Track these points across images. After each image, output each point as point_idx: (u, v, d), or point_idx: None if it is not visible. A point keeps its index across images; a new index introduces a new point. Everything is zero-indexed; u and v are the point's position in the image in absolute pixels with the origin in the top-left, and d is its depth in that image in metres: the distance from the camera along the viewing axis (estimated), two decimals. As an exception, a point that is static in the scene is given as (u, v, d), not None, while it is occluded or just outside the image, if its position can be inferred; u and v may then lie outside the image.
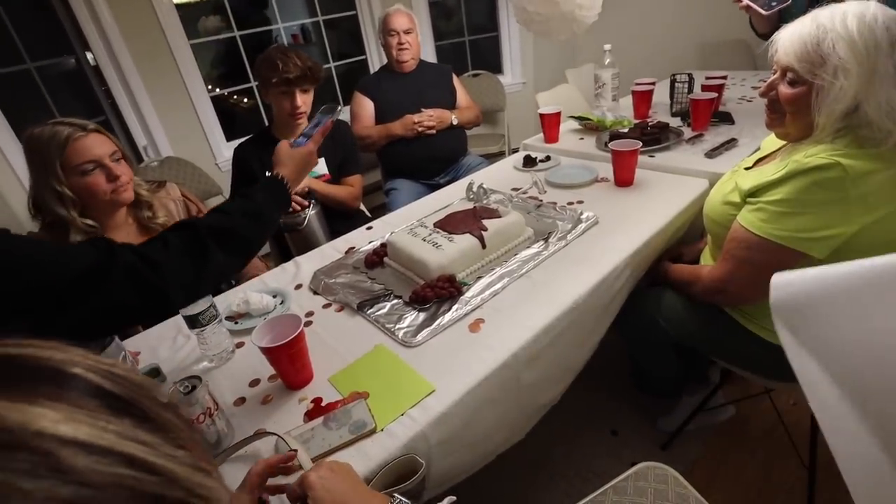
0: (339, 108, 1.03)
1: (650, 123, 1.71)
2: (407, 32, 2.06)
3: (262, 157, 1.68)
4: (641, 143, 1.44)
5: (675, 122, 1.80)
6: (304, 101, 1.64)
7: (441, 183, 2.16)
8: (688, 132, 1.71)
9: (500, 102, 3.27)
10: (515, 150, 3.19)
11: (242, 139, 1.77)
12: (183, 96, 2.63)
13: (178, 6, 2.56)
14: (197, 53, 2.69)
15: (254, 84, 2.96)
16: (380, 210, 2.22)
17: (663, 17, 2.98)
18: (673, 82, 1.88)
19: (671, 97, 1.92)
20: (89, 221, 1.12)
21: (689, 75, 1.86)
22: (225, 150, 2.80)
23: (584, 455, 1.49)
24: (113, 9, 2.28)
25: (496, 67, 3.55)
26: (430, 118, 2.05)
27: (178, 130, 2.63)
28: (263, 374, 0.95)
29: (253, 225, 0.83)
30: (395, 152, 2.09)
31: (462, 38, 3.54)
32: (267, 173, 1.05)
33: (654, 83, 1.94)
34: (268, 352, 0.86)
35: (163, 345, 1.09)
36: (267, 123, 1.79)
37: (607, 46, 1.89)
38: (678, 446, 1.46)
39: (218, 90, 2.91)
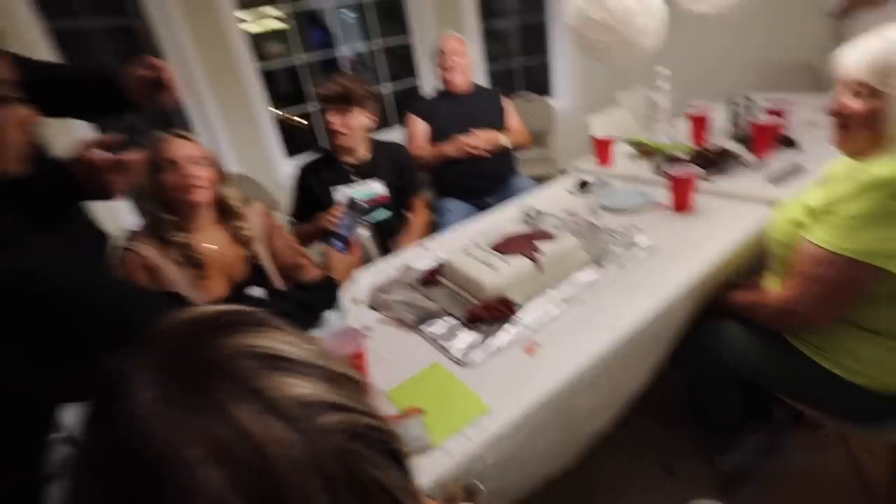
0: (367, 207, 1.10)
1: (709, 148, 1.68)
2: (456, 54, 2.12)
3: (322, 177, 1.76)
4: (701, 169, 1.41)
5: (734, 146, 1.76)
6: (341, 121, 1.69)
7: (490, 203, 2.17)
8: (749, 157, 1.66)
9: (549, 125, 3.27)
10: (564, 173, 3.21)
11: (304, 157, 1.86)
12: (247, 114, 2.78)
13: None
14: (261, 75, 2.85)
15: (312, 105, 3.10)
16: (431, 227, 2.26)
17: (719, 38, 2.91)
18: (732, 105, 1.84)
19: (730, 121, 1.88)
20: (174, 218, 1.19)
21: (749, 98, 1.82)
22: (283, 166, 2.93)
23: (636, 491, 1.43)
24: (193, 31, 2.46)
25: (546, 90, 3.56)
26: (481, 140, 2.08)
27: (241, 146, 2.78)
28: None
29: (304, 315, 0.94)
30: (447, 173, 2.13)
31: (512, 62, 3.59)
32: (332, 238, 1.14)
33: (710, 107, 1.91)
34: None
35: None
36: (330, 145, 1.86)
37: (662, 70, 1.87)
38: (738, 489, 1.39)
39: (278, 110, 3.06)
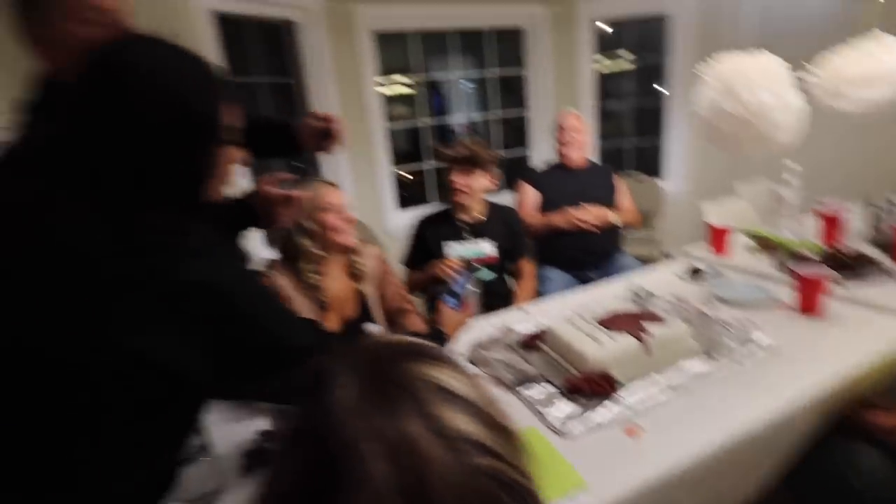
0: (482, 270, 1.15)
1: (843, 250, 1.56)
2: (575, 130, 2.21)
3: (438, 231, 1.88)
4: (834, 271, 1.32)
5: (872, 252, 1.62)
6: (464, 181, 1.81)
7: (592, 277, 2.17)
8: (891, 266, 1.52)
9: (657, 206, 3.22)
10: (668, 256, 3.11)
11: (422, 209, 2.02)
12: (370, 167, 3.06)
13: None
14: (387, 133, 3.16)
15: (428, 164, 3.34)
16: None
17: (859, 136, 2.75)
18: (872, 208, 1.71)
19: (869, 224, 1.75)
20: (321, 252, 1.35)
21: (893, 202, 1.68)
22: (394, 217, 3.14)
23: None
24: (339, 90, 2.80)
25: (656, 171, 3.54)
26: (591, 215, 2.11)
27: (361, 195, 3.04)
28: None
29: None
30: (552, 242, 2.16)
31: (624, 142, 3.63)
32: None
33: (845, 207, 1.79)
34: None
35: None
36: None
37: (792, 164, 1.80)
38: None
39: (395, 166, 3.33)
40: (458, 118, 3.53)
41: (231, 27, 2.28)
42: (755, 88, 1.22)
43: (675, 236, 3.30)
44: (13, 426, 0.59)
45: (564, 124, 2.22)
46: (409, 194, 3.38)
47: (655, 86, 3.55)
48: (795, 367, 1.13)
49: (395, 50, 3.09)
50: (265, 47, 2.68)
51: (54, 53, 0.95)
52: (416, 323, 1.61)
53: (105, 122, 0.60)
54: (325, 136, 1.06)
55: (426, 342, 0.39)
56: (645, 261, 2.52)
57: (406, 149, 3.44)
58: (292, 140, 1.11)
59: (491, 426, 0.34)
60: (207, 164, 0.67)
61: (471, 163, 1.80)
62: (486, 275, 1.85)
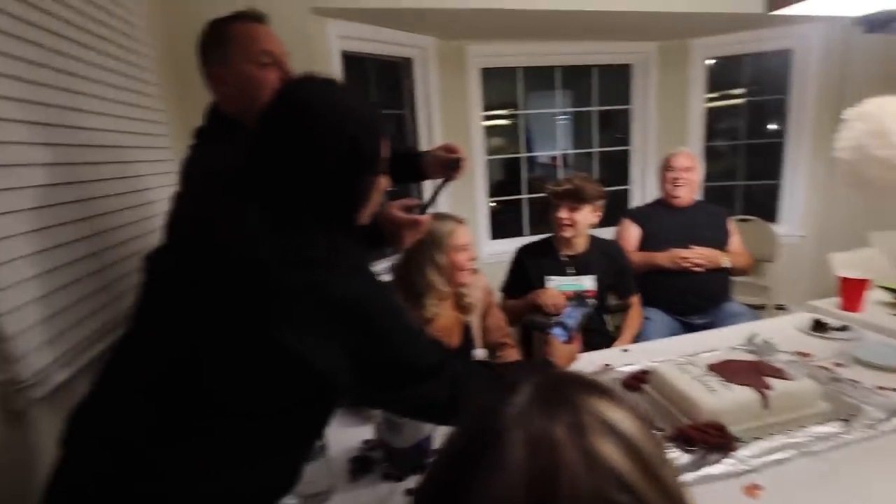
0: (591, 302, 1.14)
1: None
2: (686, 170, 2.14)
3: (539, 263, 1.90)
4: None
5: None
6: (569, 216, 1.82)
7: (697, 323, 2.06)
8: None
9: (769, 252, 2.99)
10: (779, 307, 2.86)
11: (524, 240, 2.06)
12: (469, 197, 3.15)
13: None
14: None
15: (525, 196, 3.38)
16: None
17: None
18: None
19: None
20: (445, 288, 1.44)
21: None
22: (486, 247, 3.20)
23: None
24: (444, 122, 2.94)
25: (770, 215, 3.30)
26: (700, 256, 2.02)
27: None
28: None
29: None
30: (656, 283, 2.08)
31: (734, 182, 3.43)
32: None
33: None
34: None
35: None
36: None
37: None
38: None
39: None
40: (554, 151, 3.54)
41: (354, 63, 2.50)
42: None
43: (787, 286, 3.04)
44: (180, 410, 0.68)
45: (675, 163, 2.15)
46: (502, 224, 3.43)
47: (771, 125, 3.36)
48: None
49: (496, 84, 3.19)
50: (384, 82, 2.88)
51: (228, 88, 1.12)
52: (514, 356, 1.63)
53: (288, 153, 0.70)
54: (452, 165, 1.13)
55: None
56: (753, 309, 2.35)
57: (499, 180, 3.51)
58: (418, 168, 1.20)
59: (644, 470, 0.34)
60: (367, 192, 0.76)
61: (577, 198, 1.81)
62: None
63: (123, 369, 0.75)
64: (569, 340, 1.08)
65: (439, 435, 1.11)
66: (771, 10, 1.21)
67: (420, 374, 0.75)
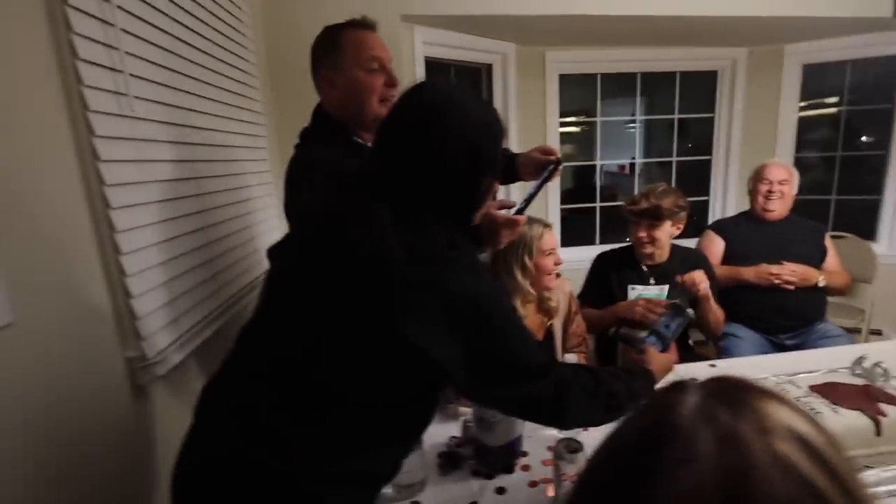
0: (689, 313, 1.09)
1: None
2: (781, 183, 2.04)
3: (620, 273, 1.88)
4: None
5: None
6: (648, 234, 1.78)
7: (787, 343, 1.95)
8: None
9: (867, 272, 2.77)
10: (875, 332, 2.65)
11: (605, 248, 2.03)
12: (544, 204, 3.15)
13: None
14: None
15: (598, 204, 3.33)
16: (702, 346, 2.13)
17: None
18: None
19: None
20: (531, 290, 1.45)
21: None
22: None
23: None
24: (520, 128, 2.96)
25: (867, 233, 3.06)
26: (792, 273, 1.92)
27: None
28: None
29: (628, 402, 0.88)
30: (744, 298, 1.99)
31: (826, 196, 3.21)
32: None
33: None
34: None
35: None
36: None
37: None
38: None
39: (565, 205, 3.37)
40: (628, 160, 3.46)
41: (437, 69, 2.57)
42: None
43: (885, 309, 2.81)
44: (303, 396, 0.73)
45: (770, 174, 2.05)
46: (571, 232, 3.39)
47: (868, 137, 3.12)
48: None
49: (572, 89, 3.16)
50: (465, 87, 2.94)
51: (336, 91, 1.19)
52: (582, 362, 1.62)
53: (414, 156, 0.74)
54: (548, 167, 1.14)
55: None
56: (849, 333, 2.20)
57: (569, 187, 3.47)
58: (512, 169, 1.22)
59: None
60: (484, 193, 0.79)
61: (656, 217, 1.76)
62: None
63: (251, 352, 0.82)
64: (664, 350, 1.06)
65: (530, 435, 1.13)
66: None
67: (529, 372, 0.77)
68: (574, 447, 0.90)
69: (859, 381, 1.18)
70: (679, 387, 0.39)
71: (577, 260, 2.96)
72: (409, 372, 0.73)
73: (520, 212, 1.07)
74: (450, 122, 0.74)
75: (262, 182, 1.92)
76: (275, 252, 0.88)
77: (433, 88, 0.79)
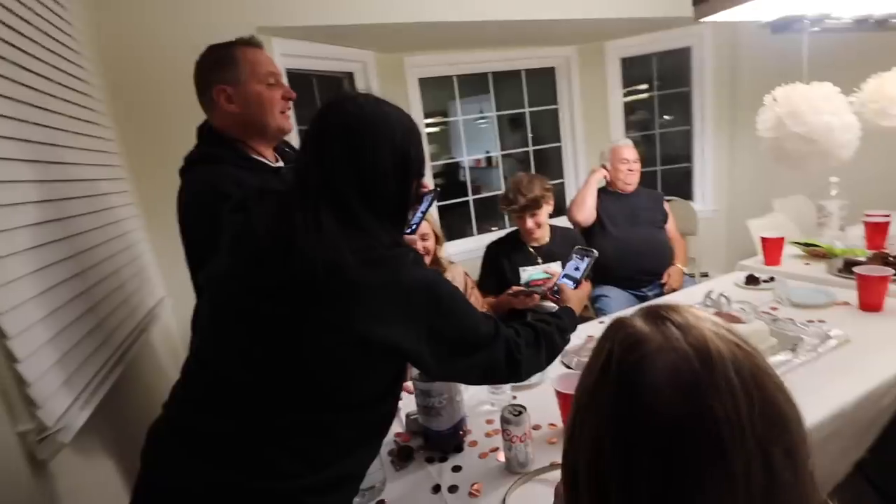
0: (595, 253, 1.28)
1: (891, 254, 1.70)
2: (635, 161, 2.42)
3: (509, 256, 2.07)
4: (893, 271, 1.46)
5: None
6: (534, 221, 2.02)
7: (648, 295, 2.31)
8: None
9: (691, 227, 3.37)
10: (704, 274, 3.23)
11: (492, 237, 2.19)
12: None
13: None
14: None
15: (470, 198, 3.53)
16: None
17: (889, 148, 2.89)
18: (913, 216, 1.85)
19: (913, 230, 1.88)
20: None
21: (934, 211, 1.83)
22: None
23: None
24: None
25: (686, 194, 3.70)
26: (675, 282, 2.34)
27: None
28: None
29: (561, 340, 1.02)
30: (611, 264, 2.27)
31: (653, 167, 3.81)
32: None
33: (889, 215, 1.93)
34: (562, 397, 1.07)
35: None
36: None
37: (834, 179, 1.97)
38: None
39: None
40: (491, 153, 3.73)
41: (298, 81, 2.53)
42: (820, 112, 1.40)
43: (707, 254, 3.44)
44: (283, 410, 0.73)
45: (627, 154, 2.41)
46: (447, 227, 3.56)
47: (674, 115, 3.78)
48: (870, 355, 1.26)
49: (431, 91, 3.32)
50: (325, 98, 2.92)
51: (234, 107, 1.14)
52: None
53: (348, 165, 0.77)
54: (424, 198, 1.24)
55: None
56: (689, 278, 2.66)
57: (441, 185, 3.64)
58: None
59: (742, 341, 0.46)
60: (416, 193, 0.85)
61: (535, 205, 2.00)
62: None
63: (207, 383, 0.78)
64: (577, 287, 1.22)
65: (467, 414, 1.21)
66: (698, 18, 1.44)
67: (482, 341, 0.85)
68: (519, 411, 1.01)
69: (712, 310, 1.48)
70: (619, 320, 0.50)
71: (460, 252, 3.15)
72: (377, 369, 0.77)
73: (413, 231, 1.18)
74: (378, 133, 0.79)
75: (130, 215, 1.74)
76: (209, 280, 0.84)
77: (355, 101, 0.82)
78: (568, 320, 1.07)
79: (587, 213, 2.36)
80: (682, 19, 3.09)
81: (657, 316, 0.48)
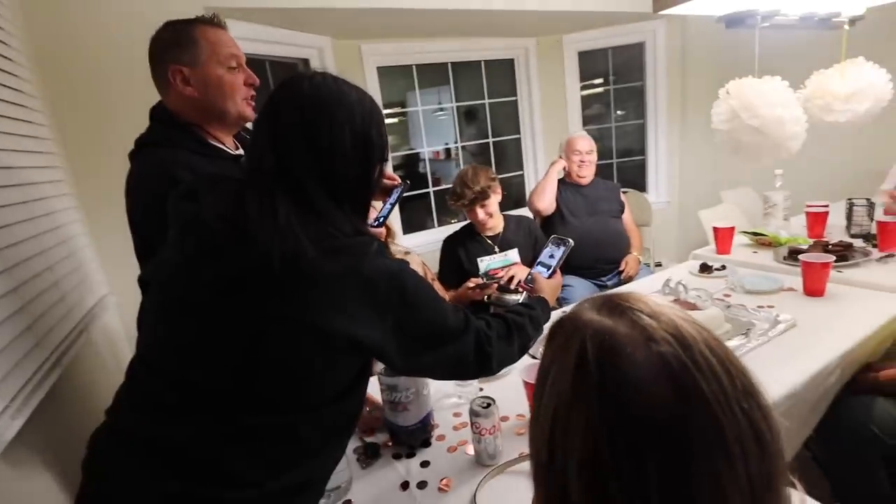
0: (570, 242, 1.27)
1: (831, 242, 1.80)
2: (588, 153, 2.45)
3: (466, 247, 2.08)
4: (831, 256, 1.54)
5: (854, 242, 1.87)
6: (485, 211, 2.04)
7: (608, 284, 2.36)
8: (875, 252, 1.76)
9: (645, 218, 3.47)
10: (658, 264, 3.34)
11: (448, 230, 2.17)
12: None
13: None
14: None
15: (431, 189, 3.50)
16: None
17: (833, 142, 3.04)
18: (851, 206, 1.97)
19: (848, 219, 2.00)
20: None
21: (869, 200, 1.95)
22: (400, 241, 3.27)
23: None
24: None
25: (641, 186, 3.81)
26: (632, 268, 2.40)
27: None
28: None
29: (534, 331, 1.00)
30: (571, 254, 2.33)
31: (609, 160, 3.90)
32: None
33: (827, 205, 2.05)
34: (531, 387, 1.07)
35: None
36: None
37: (779, 171, 2.06)
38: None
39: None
40: (445, 144, 3.69)
41: (251, 66, 2.41)
42: (772, 105, 1.45)
43: (661, 244, 3.56)
44: (240, 412, 0.69)
45: (580, 146, 2.44)
46: (408, 220, 3.52)
47: (627, 110, 3.87)
48: (815, 337, 1.32)
49: (390, 81, 3.26)
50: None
51: (191, 89, 1.06)
52: None
53: (306, 149, 0.72)
54: (393, 191, 1.19)
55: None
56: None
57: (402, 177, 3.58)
58: None
59: (701, 327, 0.46)
60: (378, 178, 0.81)
61: (483, 196, 2.01)
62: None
63: (157, 386, 0.72)
64: (550, 276, 1.21)
65: (432, 408, 1.19)
66: (657, 10, 1.46)
67: (450, 333, 0.82)
68: (487, 403, 1.00)
69: (670, 298, 1.52)
70: (574, 316, 0.48)
71: (420, 244, 3.12)
72: (340, 364, 0.73)
73: (380, 224, 1.14)
74: (336, 113, 0.74)
75: (66, 207, 1.61)
76: (156, 274, 0.78)
77: (311, 81, 0.77)
78: (541, 310, 1.06)
79: (547, 201, 2.39)
80: (636, 14, 3.16)
81: (618, 307, 0.47)
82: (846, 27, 1.71)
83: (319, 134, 0.73)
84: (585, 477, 0.43)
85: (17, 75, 1.46)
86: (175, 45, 1.05)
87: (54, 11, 1.76)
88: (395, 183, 1.19)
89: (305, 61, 2.77)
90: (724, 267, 1.90)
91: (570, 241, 1.23)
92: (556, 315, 1.68)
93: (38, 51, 1.72)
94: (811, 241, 1.90)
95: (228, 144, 1.15)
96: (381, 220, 1.17)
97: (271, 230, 0.67)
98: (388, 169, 1.18)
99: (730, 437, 0.40)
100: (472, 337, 0.84)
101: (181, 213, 0.78)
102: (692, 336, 0.43)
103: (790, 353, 1.27)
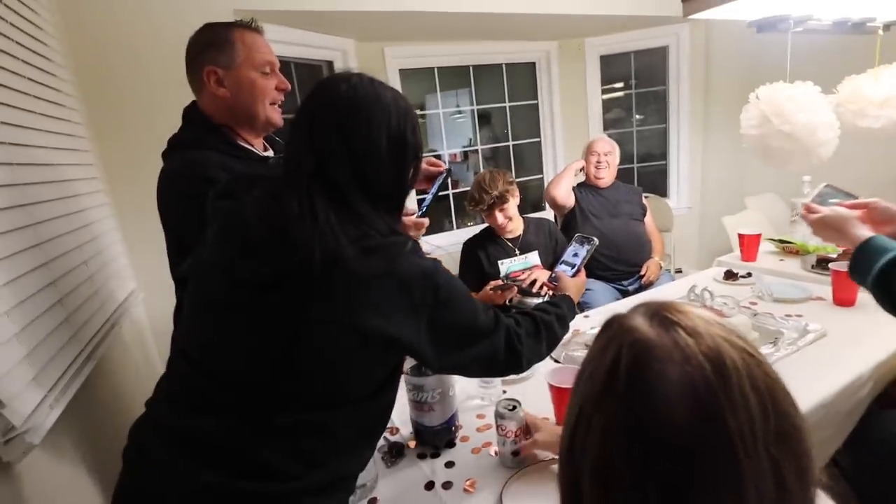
0: (595, 241, 1.27)
1: (861, 251, 1.76)
2: (606, 154, 2.43)
3: (486, 250, 2.08)
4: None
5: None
6: (504, 215, 2.04)
7: (629, 289, 2.34)
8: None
9: (667, 223, 3.43)
10: (678, 270, 3.30)
11: (467, 233, 2.18)
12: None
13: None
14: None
15: (451, 192, 3.51)
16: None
17: (862, 148, 2.99)
18: (881, 215, 1.92)
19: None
20: None
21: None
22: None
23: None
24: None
25: (662, 192, 3.77)
26: (653, 273, 2.37)
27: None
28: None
29: (561, 328, 1.00)
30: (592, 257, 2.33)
31: (630, 165, 3.86)
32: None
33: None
34: (555, 391, 1.07)
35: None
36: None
37: (807, 177, 2.03)
38: None
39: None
40: (463, 147, 3.69)
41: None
42: (805, 111, 1.43)
43: (681, 250, 3.52)
44: (282, 408, 0.70)
45: (597, 148, 2.43)
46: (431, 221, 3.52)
47: (653, 114, 3.83)
48: (847, 348, 1.30)
49: (411, 83, 3.28)
50: (304, 88, 2.85)
51: (224, 90, 1.09)
52: None
53: (343, 152, 0.73)
54: (437, 178, 1.20)
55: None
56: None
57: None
58: None
59: (744, 340, 0.44)
60: (413, 179, 0.82)
61: (501, 200, 2.02)
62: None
63: (198, 382, 0.74)
64: (575, 275, 1.21)
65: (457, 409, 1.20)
66: (686, 14, 1.45)
67: (482, 331, 0.82)
68: (513, 405, 1.00)
69: (697, 304, 1.50)
70: (620, 321, 0.48)
71: (438, 247, 3.11)
72: (376, 362, 0.74)
73: (423, 215, 1.14)
74: (373, 116, 0.75)
75: (99, 203, 1.65)
76: (195, 271, 0.79)
77: (348, 82, 0.78)
78: (567, 309, 1.06)
79: (563, 190, 2.39)
80: (660, 18, 3.14)
81: (664, 319, 0.45)
82: (880, 32, 1.68)
83: (356, 135, 0.74)
84: (595, 479, 0.43)
85: (56, 75, 1.51)
86: (211, 47, 1.07)
87: (90, 14, 1.81)
88: (440, 169, 1.19)
89: (330, 63, 2.81)
90: (749, 274, 1.87)
91: (595, 239, 1.23)
92: (578, 319, 1.70)
93: (74, 52, 1.77)
94: (839, 249, 1.86)
95: (257, 146, 1.18)
96: (425, 209, 1.17)
97: (312, 231, 0.68)
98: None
99: (747, 477, 0.39)
100: (502, 335, 0.85)
101: (219, 211, 0.80)
102: (734, 364, 0.41)
103: (820, 364, 1.25)
